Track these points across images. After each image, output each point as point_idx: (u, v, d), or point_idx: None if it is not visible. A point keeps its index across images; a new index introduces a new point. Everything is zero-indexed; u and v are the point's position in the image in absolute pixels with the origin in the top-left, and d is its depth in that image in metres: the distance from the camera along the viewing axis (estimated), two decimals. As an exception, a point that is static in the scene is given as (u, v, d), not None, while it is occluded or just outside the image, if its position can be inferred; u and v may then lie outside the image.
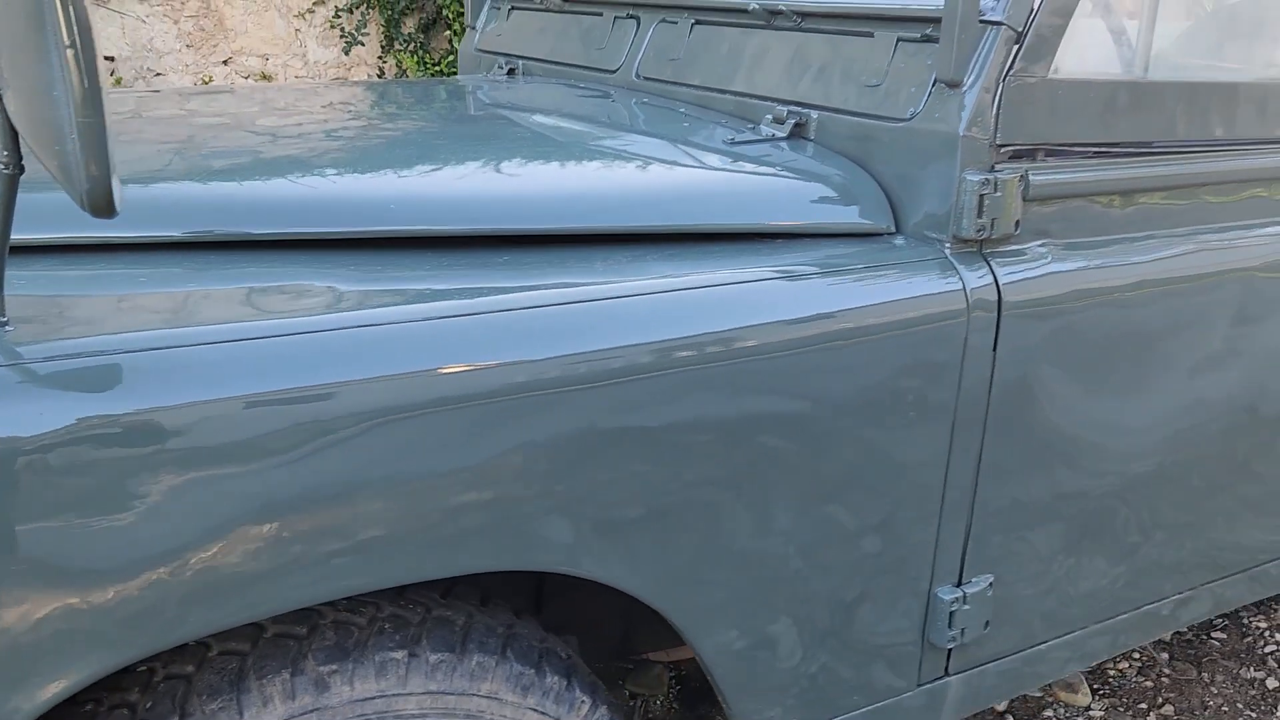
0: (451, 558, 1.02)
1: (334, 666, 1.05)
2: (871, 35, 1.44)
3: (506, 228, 1.21)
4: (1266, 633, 2.64)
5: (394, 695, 1.07)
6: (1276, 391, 1.65)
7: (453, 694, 1.11)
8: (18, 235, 0.90)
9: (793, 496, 1.25)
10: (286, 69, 4.10)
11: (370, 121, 1.62)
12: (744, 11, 1.64)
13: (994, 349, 1.34)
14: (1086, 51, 1.42)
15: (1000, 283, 1.33)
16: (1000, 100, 1.30)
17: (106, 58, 3.83)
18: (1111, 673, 2.48)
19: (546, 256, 1.20)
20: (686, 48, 1.80)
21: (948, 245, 1.33)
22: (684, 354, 1.12)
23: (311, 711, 1.04)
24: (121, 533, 0.88)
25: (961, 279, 1.31)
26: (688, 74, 1.77)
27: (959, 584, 1.44)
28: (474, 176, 1.30)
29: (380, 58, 4.31)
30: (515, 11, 2.41)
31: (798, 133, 1.51)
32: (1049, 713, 2.37)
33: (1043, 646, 1.58)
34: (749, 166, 1.41)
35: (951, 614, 1.43)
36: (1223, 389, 1.58)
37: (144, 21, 3.86)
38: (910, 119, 1.35)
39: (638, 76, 1.89)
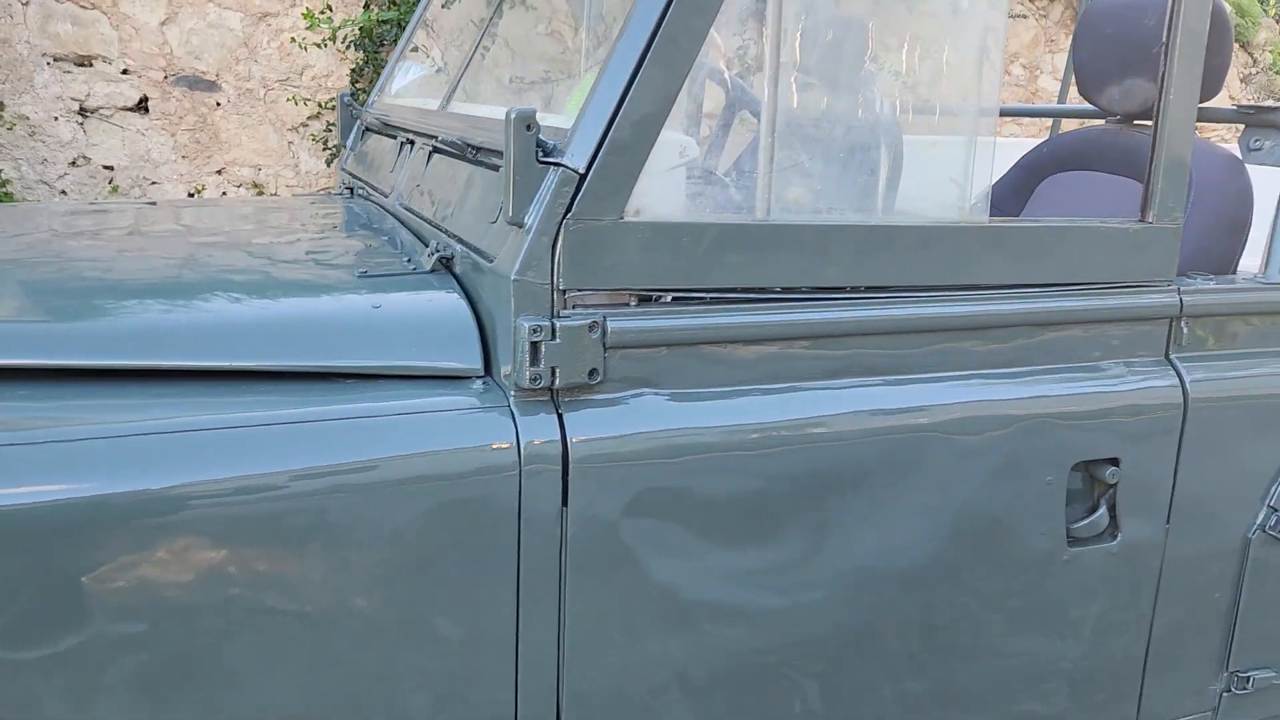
0: None
1: None
2: (496, 169, 1.39)
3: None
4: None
5: None
6: (939, 568, 1.46)
7: None
8: None
9: (313, 661, 1.18)
10: (278, 179, 4.28)
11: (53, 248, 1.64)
12: (465, 144, 1.60)
13: (564, 506, 1.24)
14: (697, 193, 1.33)
15: (569, 437, 1.24)
16: (561, 243, 1.22)
17: (105, 167, 4.10)
18: None
19: (74, 391, 1.18)
20: (425, 175, 1.78)
21: (512, 393, 1.25)
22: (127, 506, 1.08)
23: None
24: None
25: (516, 431, 1.22)
26: (419, 201, 1.75)
27: (552, 763, 1.32)
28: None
29: (370, 168, 4.46)
30: (367, 133, 2.46)
31: (445, 266, 1.46)
32: None
33: (692, 836, 1.42)
34: (353, 302, 1.36)
35: (536, 796, 1.30)
36: (871, 562, 1.42)
37: (143, 134, 4.11)
38: (496, 259, 1.29)
39: (398, 202, 1.88)
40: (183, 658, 1.13)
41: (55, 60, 3.98)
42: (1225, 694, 1.76)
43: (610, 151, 1.22)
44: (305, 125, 4.30)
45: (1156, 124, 1.52)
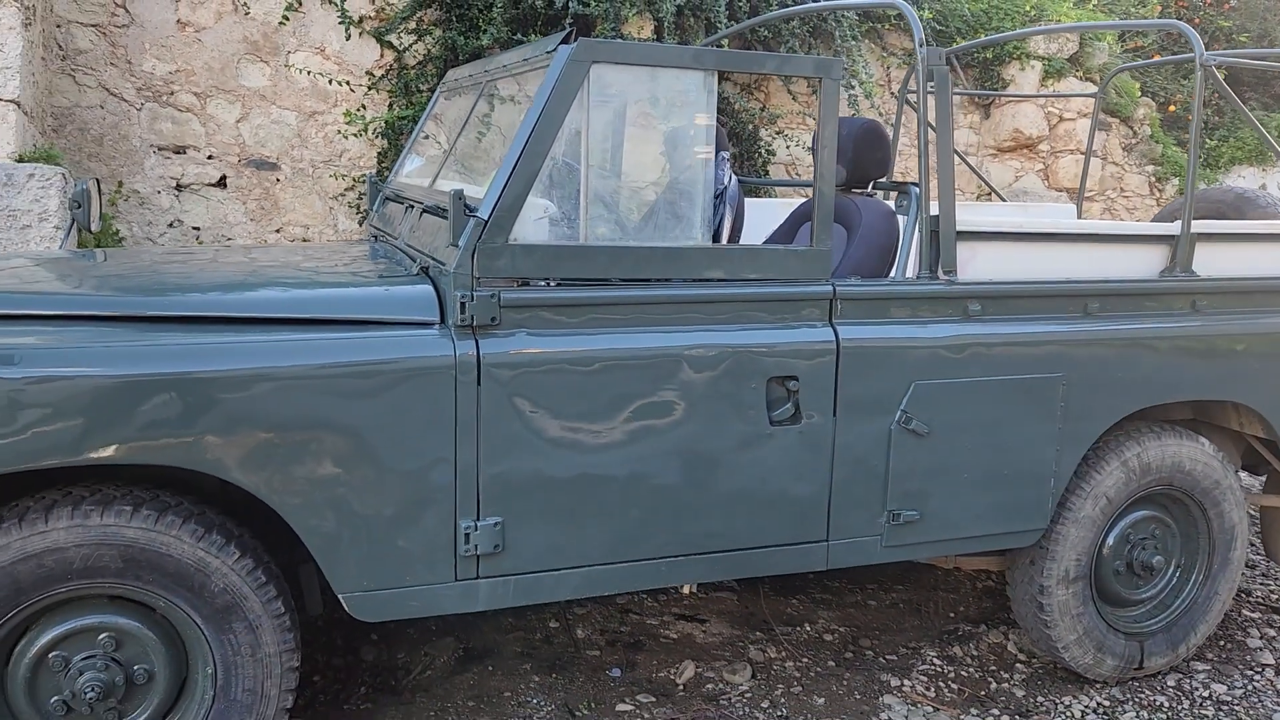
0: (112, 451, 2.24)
1: (96, 507, 2.29)
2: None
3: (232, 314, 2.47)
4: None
5: (114, 526, 2.29)
6: (694, 434, 2.67)
7: (129, 528, 2.32)
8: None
9: (360, 458, 2.41)
10: (322, 235, 5.61)
11: (228, 264, 2.93)
12: (437, 207, 2.86)
13: (478, 385, 2.49)
14: (550, 229, 2.59)
15: (480, 350, 2.49)
16: (475, 254, 2.48)
17: (194, 228, 5.44)
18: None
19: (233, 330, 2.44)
20: (418, 225, 3.06)
21: (453, 329, 2.50)
22: (277, 374, 2.34)
23: (78, 526, 2.27)
24: None
25: (454, 346, 2.47)
26: (413, 239, 3.02)
27: (476, 520, 2.54)
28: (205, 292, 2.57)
29: (392, 227, 5.80)
30: (386, 201, 3.75)
31: (424, 271, 2.72)
32: (709, 687, 3.34)
33: (554, 573, 2.64)
34: (373, 287, 2.63)
35: (467, 534, 2.53)
36: (653, 431, 2.62)
37: (222, 203, 5.46)
38: (446, 264, 2.56)
39: (403, 242, 3.15)
40: (299, 456, 2.37)
41: (159, 149, 5.35)
42: (887, 524, 2.96)
43: (499, 209, 2.49)
44: (343, 195, 5.63)
45: (815, 192, 2.77)
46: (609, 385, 2.60)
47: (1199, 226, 3.27)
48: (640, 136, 2.78)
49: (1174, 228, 3.28)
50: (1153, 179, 8.20)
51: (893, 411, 2.91)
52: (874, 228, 3.04)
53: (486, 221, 2.49)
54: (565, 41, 2.56)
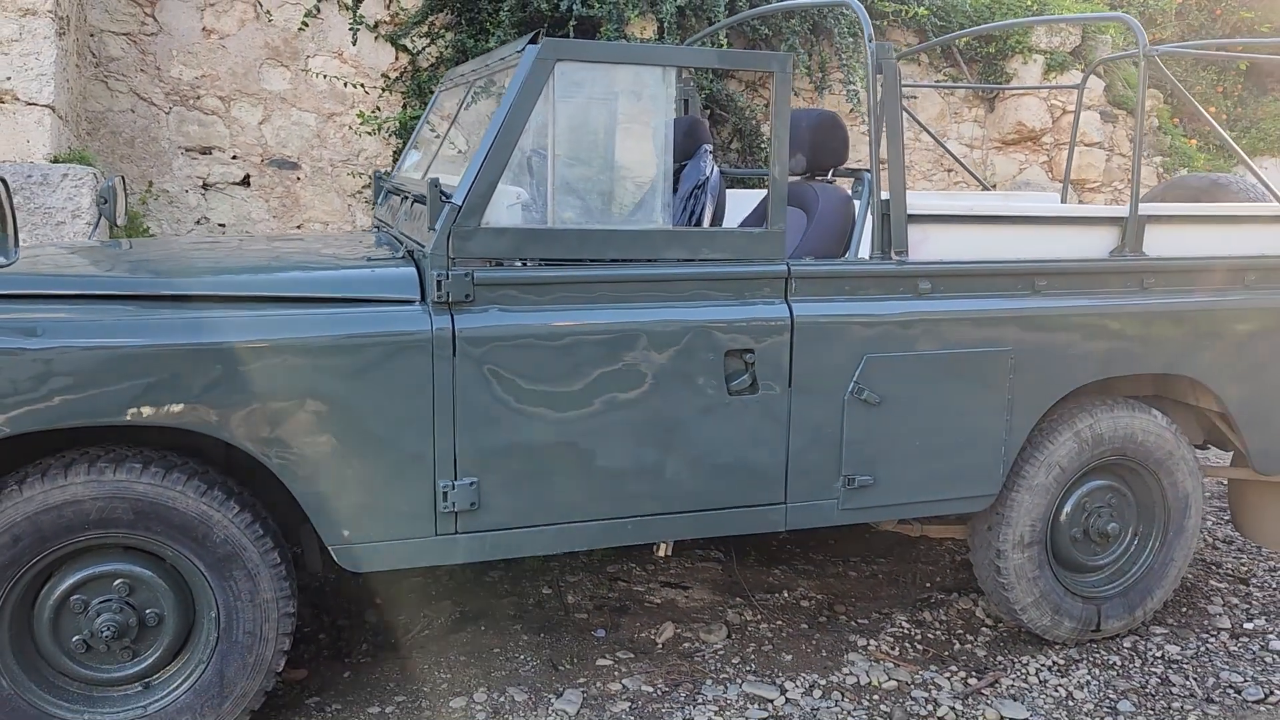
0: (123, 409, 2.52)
1: (110, 464, 2.56)
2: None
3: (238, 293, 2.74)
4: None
5: (126, 481, 2.56)
6: (657, 402, 2.89)
7: (139, 483, 2.59)
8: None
9: (348, 422, 2.67)
10: (340, 230, 5.90)
11: (250, 250, 3.21)
12: (421, 195, 3.12)
13: (453, 357, 2.74)
14: (520, 213, 2.84)
15: (455, 325, 2.73)
16: (450, 237, 2.73)
17: (220, 224, 5.75)
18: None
19: (235, 309, 2.71)
20: (409, 213, 3.31)
21: (430, 306, 2.75)
22: (261, 348, 2.60)
23: (94, 481, 2.55)
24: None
25: (431, 321, 2.72)
26: (404, 226, 3.27)
27: (453, 480, 2.79)
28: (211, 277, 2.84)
29: (407, 222, 6.08)
30: (388, 194, 4.02)
31: (409, 254, 2.97)
32: (685, 645, 3.57)
33: (528, 529, 2.88)
34: (361, 269, 2.88)
35: (445, 493, 2.78)
36: (620, 399, 2.85)
37: (246, 201, 5.77)
38: (425, 246, 2.81)
39: (397, 230, 3.41)
40: (299, 418, 2.63)
41: (186, 150, 5.67)
42: (842, 488, 3.17)
43: (472, 196, 2.73)
44: (360, 192, 5.93)
45: (771, 180, 2.98)
46: (575, 358, 2.84)
47: (1146, 210, 3.44)
48: (604, 128, 3.03)
49: (1123, 210, 3.45)
50: (1161, 170, 8.29)
51: (846, 383, 3.11)
52: (831, 211, 3.25)
53: (460, 207, 2.74)
54: (533, 42, 2.80)
